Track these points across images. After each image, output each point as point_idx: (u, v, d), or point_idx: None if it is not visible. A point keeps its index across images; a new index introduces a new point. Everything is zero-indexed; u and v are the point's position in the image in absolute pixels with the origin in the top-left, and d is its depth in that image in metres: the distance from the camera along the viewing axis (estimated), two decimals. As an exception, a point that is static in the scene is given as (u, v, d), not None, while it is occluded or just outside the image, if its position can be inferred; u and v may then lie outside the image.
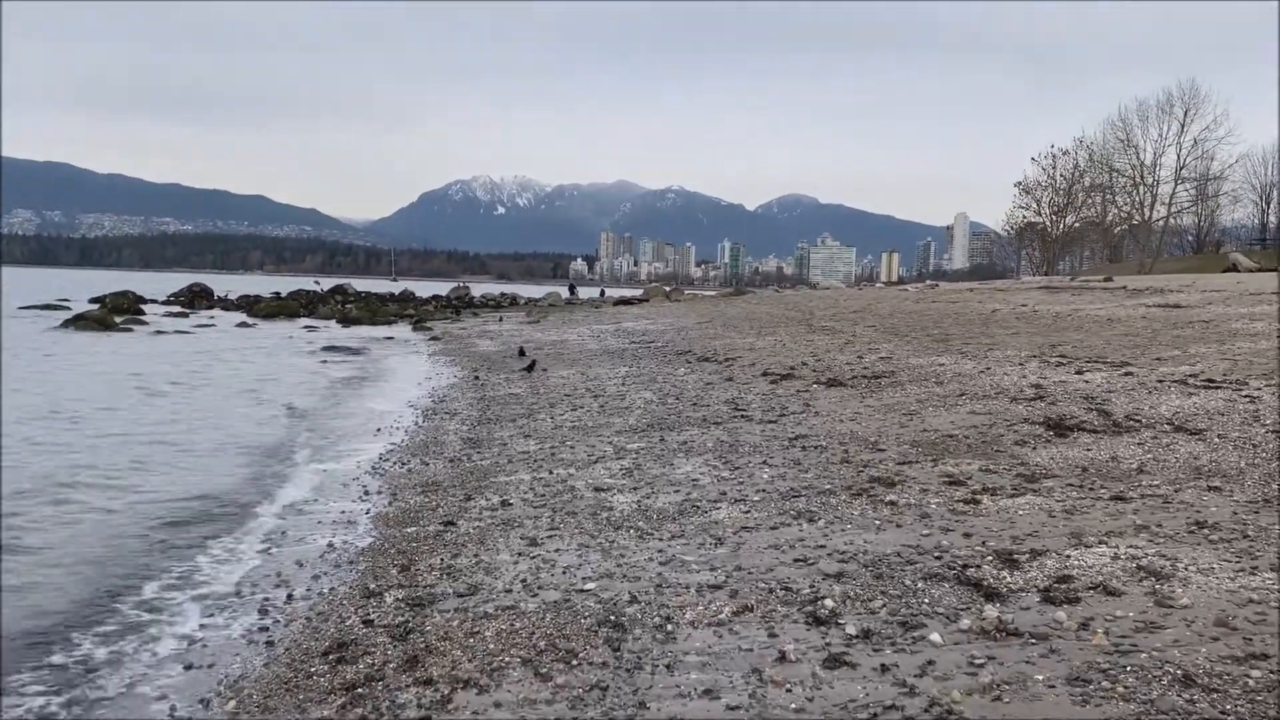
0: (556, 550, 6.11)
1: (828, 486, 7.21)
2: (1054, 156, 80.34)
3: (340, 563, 6.39)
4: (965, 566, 5.16)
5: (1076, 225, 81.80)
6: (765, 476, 7.75)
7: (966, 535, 5.74)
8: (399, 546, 6.58)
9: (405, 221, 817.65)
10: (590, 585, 5.33)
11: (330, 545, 6.84)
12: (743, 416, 10.95)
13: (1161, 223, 69.62)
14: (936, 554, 5.42)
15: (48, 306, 42.67)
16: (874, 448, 8.60)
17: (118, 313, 36.50)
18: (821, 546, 5.73)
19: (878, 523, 6.16)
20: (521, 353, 21.36)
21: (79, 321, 31.43)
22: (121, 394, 15.86)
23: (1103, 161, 72.87)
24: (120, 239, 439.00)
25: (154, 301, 49.65)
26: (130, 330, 31.36)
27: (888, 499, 6.69)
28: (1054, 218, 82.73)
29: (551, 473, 8.62)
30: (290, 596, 5.81)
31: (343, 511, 8.05)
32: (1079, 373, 12.07)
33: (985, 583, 4.90)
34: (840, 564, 5.39)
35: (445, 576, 5.77)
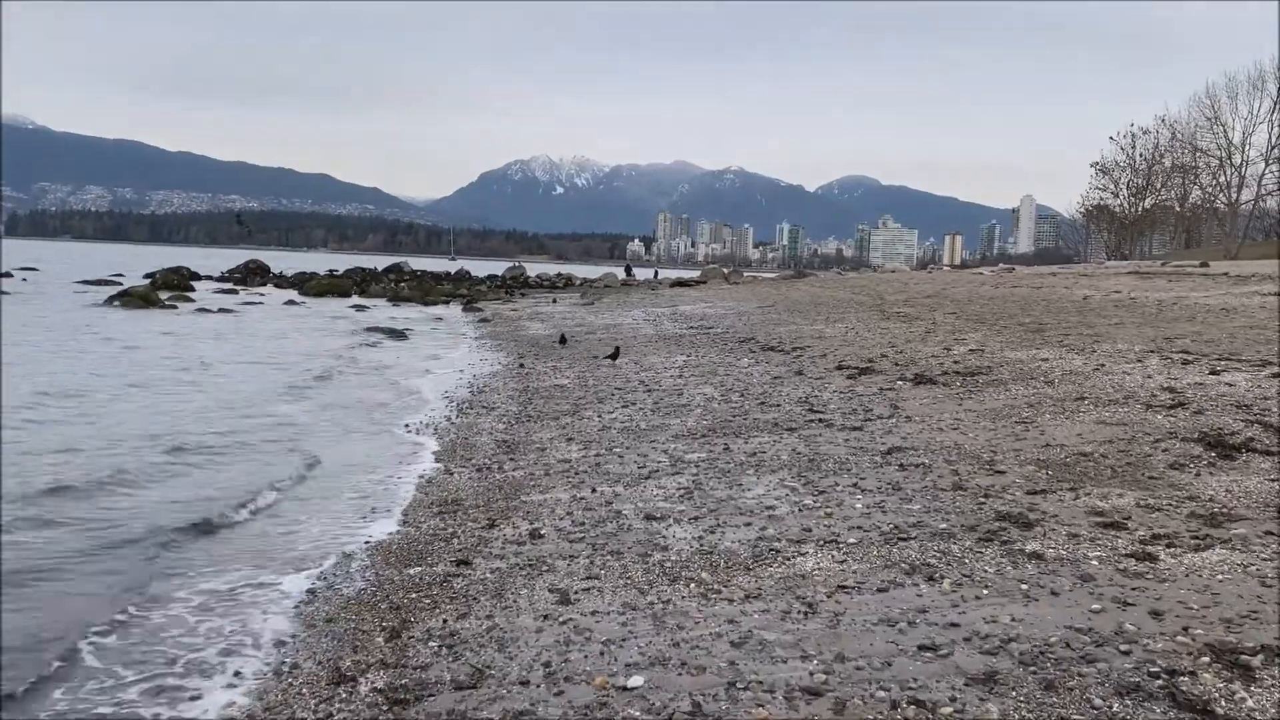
0: (594, 613, 4.64)
1: (943, 525, 5.64)
2: (1133, 136, 76.67)
3: (315, 621, 4.92)
4: (1173, 672, 3.59)
5: (1152, 208, 78.13)
6: (859, 506, 6.19)
7: (1155, 614, 4.16)
8: (394, 597, 5.14)
9: (465, 201, 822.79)
10: (636, 679, 3.86)
11: (310, 594, 5.35)
12: (820, 421, 9.38)
13: (1249, 206, 65.99)
14: (1123, 646, 3.85)
15: (101, 282, 42.44)
16: (990, 468, 6.99)
17: (166, 289, 35.84)
18: (954, 625, 4.18)
19: (1024, 586, 4.58)
20: (562, 340, 19.89)
21: (123, 298, 30.68)
22: (105, 381, 14.08)
23: (1186, 141, 69.30)
24: (188, 216, 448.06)
25: (208, 278, 49.26)
26: (174, 307, 30.53)
27: (1029, 549, 5.10)
28: (1132, 199, 79.11)
29: (594, 491, 7.14)
30: (239, 675, 4.37)
31: (339, 537, 6.62)
32: (1214, 373, 10.29)
33: (1214, 708, 3.32)
34: (986, 657, 3.84)
35: (445, 650, 4.33)
